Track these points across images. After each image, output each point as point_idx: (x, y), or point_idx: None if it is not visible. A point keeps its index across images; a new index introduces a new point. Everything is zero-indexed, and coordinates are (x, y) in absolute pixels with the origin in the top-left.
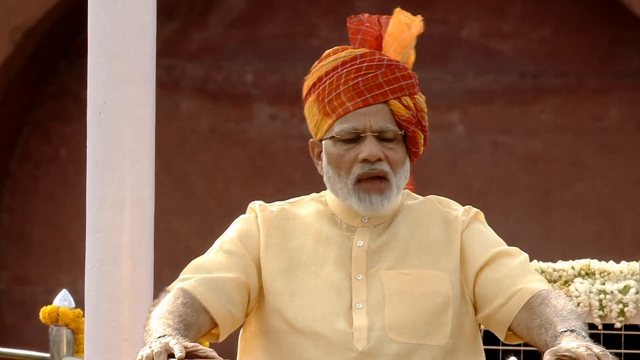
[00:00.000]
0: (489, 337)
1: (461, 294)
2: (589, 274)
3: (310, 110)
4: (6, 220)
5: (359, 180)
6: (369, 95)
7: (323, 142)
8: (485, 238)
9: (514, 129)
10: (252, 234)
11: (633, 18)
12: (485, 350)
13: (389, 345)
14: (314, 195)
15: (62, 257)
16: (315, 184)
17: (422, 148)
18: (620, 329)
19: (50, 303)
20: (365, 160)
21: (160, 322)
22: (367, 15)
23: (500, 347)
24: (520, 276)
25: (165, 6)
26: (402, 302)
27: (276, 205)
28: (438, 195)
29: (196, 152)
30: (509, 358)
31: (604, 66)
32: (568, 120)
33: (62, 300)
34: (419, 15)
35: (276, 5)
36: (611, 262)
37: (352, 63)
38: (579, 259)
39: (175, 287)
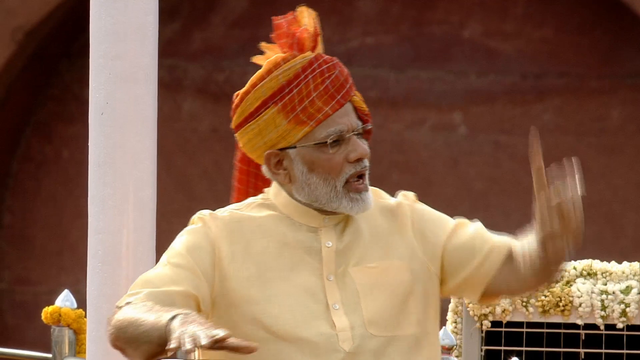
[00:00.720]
0: (490, 338)
1: (428, 278)
2: (591, 274)
3: (272, 121)
4: (8, 221)
5: (347, 181)
6: (339, 97)
7: (293, 150)
8: (435, 215)
9: (515, 130)
10: (202, 247)
11: (635, 19)
12: (487, 350)
13: (370, 341)
14: (254, 200)
15: (64, 258)
16: None
17: None
18: (622, 329)
19: (52, 303)
20: (357, 160)
21: (151, 313)
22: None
23: (502, 348)
24: (487, 235)
25: (167, 6)
26: (376, 295)
27: (224, 211)
28: (442, 196)
29: (198, 153)
30: (510, 358)
31: (606, 67)
32: (569, 121)
33: (64, 300)
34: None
35: (278, 5)
36: (613, 262)
37: (312, 68)
38: (581, 259)
39: (124, 301)
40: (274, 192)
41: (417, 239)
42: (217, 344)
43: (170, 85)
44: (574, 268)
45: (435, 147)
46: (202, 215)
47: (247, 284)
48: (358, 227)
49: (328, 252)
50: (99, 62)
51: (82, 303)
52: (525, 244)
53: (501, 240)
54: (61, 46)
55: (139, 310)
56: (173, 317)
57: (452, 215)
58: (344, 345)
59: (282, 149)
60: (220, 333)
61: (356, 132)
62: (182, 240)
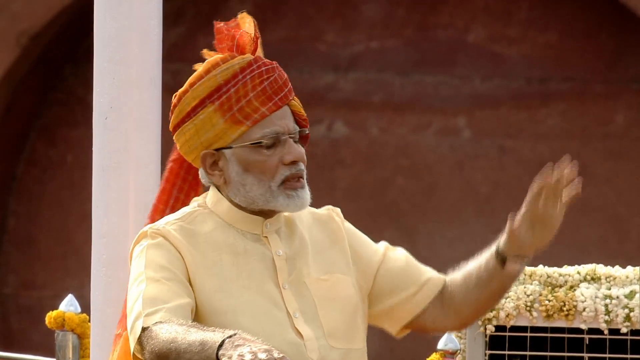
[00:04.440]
0: (494, 342)
1: (361, 297)
2: (594, 279)
3: (208, 120)
4: (12, 225)
5: (283, 181)
6: (277, 99)
7: (229, 150)
8: (364, 236)
9: (520, 134)
10: (176, 257)
11: (639, 23)
12: (491, 355)
13: (331, 352)
14: (191, 210)
15: (68, 262)
16: (317, 185)
17: None
18: (626, 334)
19: (57, 308)
20: (292, 163)
21: (204, 331)
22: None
23: (506, 352)
24: (421, 266)
25: (172, 11)
26: (331, 308)
27: (171, 224)
28: (447, 200)
29: None
30: None
31: (610, 71)
32: (574, 125)
33: (68, 305)
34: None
35: (282, 9)
36: (617, 267)
37: (251, 69)
38: (585, 263)
39: (152, 322)
40: (213, 200)
41: (353, 257)
42: None
43: (174, 89)
44: (578, 273)
45: (440, 152)
46: (157, 230)
47: (212, 295)
48: (302, 235)
49: (280, 261)
50: (103, 66)
51: (86, 308)
52: (466, 278)
53: (436, 274)
54: (66, 50)
55: (176, 332)
56: (221, 344)
57: (458, 219)
58: (312, 355)
59: (217, 149)
60: (275, 353)
61: (292, 135)
62: (155, 255)
